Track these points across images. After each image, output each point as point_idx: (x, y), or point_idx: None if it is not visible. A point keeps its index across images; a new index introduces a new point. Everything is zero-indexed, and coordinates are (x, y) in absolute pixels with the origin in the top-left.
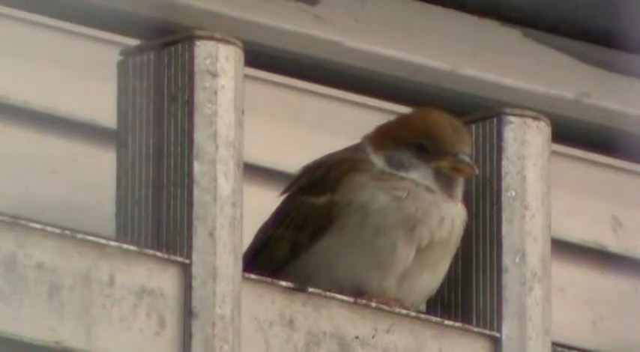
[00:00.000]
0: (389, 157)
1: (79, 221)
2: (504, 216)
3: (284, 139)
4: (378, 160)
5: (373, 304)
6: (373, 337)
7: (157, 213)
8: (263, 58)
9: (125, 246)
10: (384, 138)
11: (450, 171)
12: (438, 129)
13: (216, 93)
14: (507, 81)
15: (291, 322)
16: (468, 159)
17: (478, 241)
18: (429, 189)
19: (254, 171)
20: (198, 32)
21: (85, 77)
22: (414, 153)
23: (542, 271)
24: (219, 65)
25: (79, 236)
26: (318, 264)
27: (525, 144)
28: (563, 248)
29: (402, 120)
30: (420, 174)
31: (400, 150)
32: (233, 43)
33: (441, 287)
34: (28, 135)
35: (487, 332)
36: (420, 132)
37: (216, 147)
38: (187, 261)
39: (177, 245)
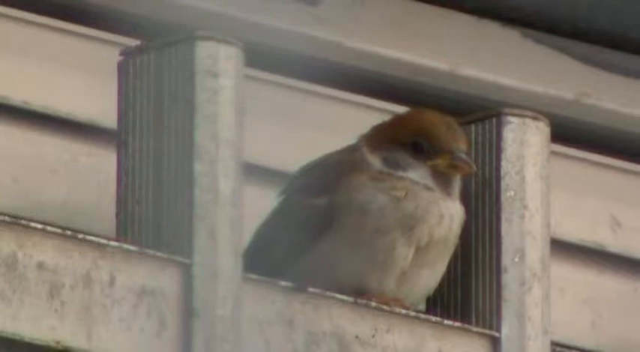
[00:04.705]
0: (385, 157)
1: (79, 221)
2: (503, 216)
3: (284, 139)
4: (374, 160)
5: (373, 304)
6: (373, 337)
7: (157, 213)
8: (263, 58)
9: (125, 246)
10: (380, 138)
11: (448, 169)
12: (433, 127)
13: (216, 93)
14: (507, 81)
15: (291, 322)
16: (465, 157)
17: (477, 241)
18: (427, 188)
19: (254, 171)
20: (199, 32)
21: (85, 77)
22: (411, 152)
23: (542, 271)
24: (219, 65)
25: (80, 236)
26: (318, 264)
27: (525, 144)
28: (562, 248)
29: (397, 120)
30: (417, 173)
31: (396, 150)
32: (233, 43)
33: (441, 287)
34: (28, 135)
35: (486, 331)
36: (416, 131)
37: (217, 147)
38: (188, 261)
39: (178, 245)
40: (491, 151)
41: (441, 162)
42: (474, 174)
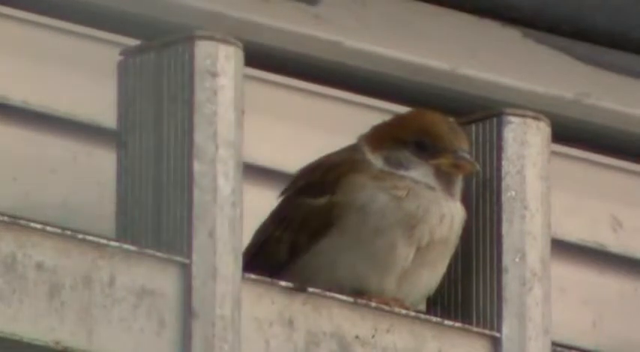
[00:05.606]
0: (387, 156)
1: (79, 221)
2: (504, 216)
3: (284, 139)
4: (375, 160)
5: (373, 304)
6: (373, 337)
7: (157, 213)
8: (263, 58)
9: (125, 246)
10: (382, 137)
11: (451, 168)
12: (436, 127)
13: (216, 93)
14: (507, 81)
15: (291, 322)
16: (468, 156)
17: (478, 241)
18: (429, 187)
19: (254, 171)
20: (198, 32)
21: (85, 77)
22: (413, 151)
23: (542, 271)
24: (219, 65)
25: (79, 236)
26: (318, 264)
27: (525, 144)
28: (563, 248)
29: (398, 120)
30: (419, 172)
31: (399, 149)
32: (233, 43)
33: (441, 287)
34: (28, 135)
35: (487, 332)
36: (419, 131)
37: (216, 147)
38: (187, 261)
39: (177, 245)
40: (491, 151)
41: (444, 161)
42: (477, 173)
